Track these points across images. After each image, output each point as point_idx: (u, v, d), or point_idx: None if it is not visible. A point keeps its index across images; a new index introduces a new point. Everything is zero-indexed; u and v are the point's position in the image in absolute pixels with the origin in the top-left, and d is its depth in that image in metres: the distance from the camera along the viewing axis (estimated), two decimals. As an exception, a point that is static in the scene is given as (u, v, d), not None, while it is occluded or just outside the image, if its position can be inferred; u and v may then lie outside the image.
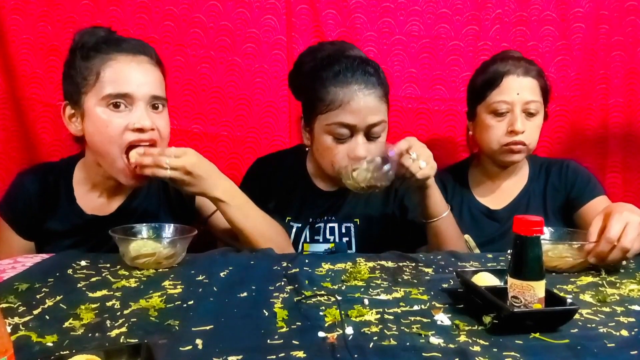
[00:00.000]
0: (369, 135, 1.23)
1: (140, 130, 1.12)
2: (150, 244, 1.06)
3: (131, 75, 1.12)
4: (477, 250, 1.36)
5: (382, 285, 0.96)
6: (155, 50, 1.21)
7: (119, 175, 1.16)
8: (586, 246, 1.03)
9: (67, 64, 1.17)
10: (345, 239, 1.35)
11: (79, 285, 0.94)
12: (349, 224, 1.36)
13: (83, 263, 1.07)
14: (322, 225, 1.37)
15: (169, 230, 1.15)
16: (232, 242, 1.27)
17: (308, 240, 1.36)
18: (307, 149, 1.36)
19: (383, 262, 1.10)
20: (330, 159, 1.25)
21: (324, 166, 1.30)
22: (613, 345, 0.70)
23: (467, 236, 1.36)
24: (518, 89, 1.35)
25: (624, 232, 0.99)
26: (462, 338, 0.71)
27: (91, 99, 1.12)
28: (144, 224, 1.15)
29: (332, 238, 1.36)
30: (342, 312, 0.77)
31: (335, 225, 1.37)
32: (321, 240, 1.36)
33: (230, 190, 1.19)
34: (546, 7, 1.74)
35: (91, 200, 1.25)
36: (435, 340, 0.71)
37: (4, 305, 0.83)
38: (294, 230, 1.37)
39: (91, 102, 1.12)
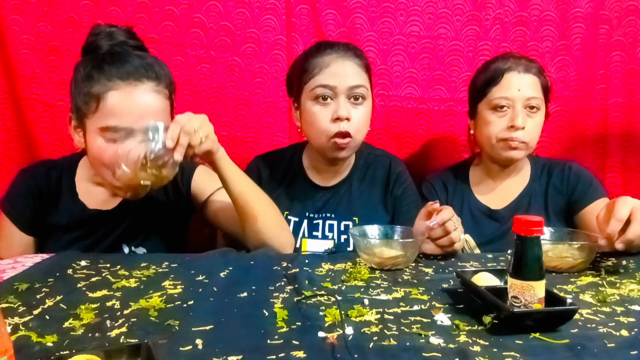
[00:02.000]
0: (352, 100, 1.28)
1: None
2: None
3: (131, 107, 1.09)
4: (477, 250, 1.36)
5: (382, 285, 0.96)
6: (163, 66, 1.18)
7: (115, 187, 1.17)
8: (604, 232, 1.02)
9: (75, 71, 1.15)
10: (344, 237, 1.36)
11: (79, 285, 0.94)
12: (348, 222, 1.37)
13: (83, 263, 1.08)
14: (320, 221, 1.38)
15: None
16: (230, 226, 1.27)
17: (306, 235, 1.37)
18: (299, 130, 1.39)
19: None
20: (316, 125, 1.29)
21: (313, 138, 1.33)
22: (613, 345, 0.70)
23: (467, 236, 1.36)
24: (519, 86, 1.35)
25: (635, 210, 0.99)
26: (462, 338, 0.72)
27: (91, 124, 1.11)
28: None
29: (330, 235, 1.36)
30: (342, 312, 0.77)
31: (335, 222, 1.37)
32: (320, 236, 1.36)
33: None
34: (546, 7, 1.74)
35: (93, 196, 1.26)
36: (435, 340, 0.71)
37: (4, 305, 0.83)
38: (291, 224, 1.37)
39: (91, 128, 1.12)
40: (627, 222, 1.00)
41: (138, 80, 1.11)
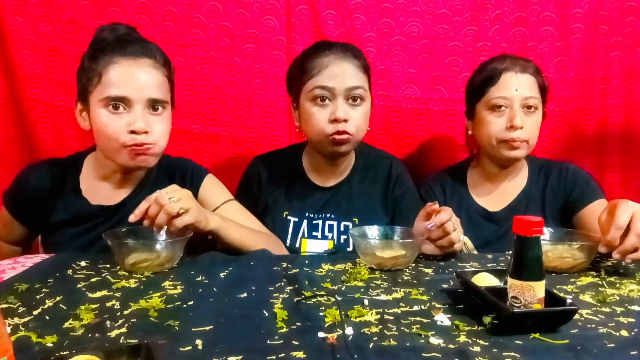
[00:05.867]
0: (350, 101, 1.29)
1: (134, 132, 1.15)
2: (147, 249, 1.05)
3: (130, 78, 1.16)
4: (474, 252, 1.36)
5: (382, 285, 0.96)
6: (162, 52, 1.24)
7: (121, 161, 1.19)
8: (604, 238, 1.02)
9: (82, 60, 1.22)
10: (343, 237, 1.36)
11: (78, 285, 0.94)
12: (348, 222, 1.37)
13: (83, 263, 1.08)
14: (320, 221, 1.38)
15: (163, 232, 1.14)
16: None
17: (306, 235, 1.37)
18: (297, 129, 1.39)
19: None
20: (313, 126, 1.30)
21: (311, 137, 1.34)
22: (613, 345, 0.70)
23: (465, 238, 1.36)
24: (516, 85, 1.35)
25: (634, 219, 0.99)
26: (462, 338, 0.72)
27: (94, 98, 1.16)
28: (138, 226, 1.14)
29: (330, 235, 1.36)
30: (342, 313, 0.77)
31: (334, 223, 1.37)
32: (319, 237, 1.36)
33: (219, 217, 1.20)
34: (545, 7, 1.74)
35: (98, 192, 1.27)
36: (435, 340, 0.71)
37: (4, 306, 0.83)
38: (291, 224, 1.38)
39: (94, 101, 1.16)
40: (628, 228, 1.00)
41: (137, 57, 1.18)
